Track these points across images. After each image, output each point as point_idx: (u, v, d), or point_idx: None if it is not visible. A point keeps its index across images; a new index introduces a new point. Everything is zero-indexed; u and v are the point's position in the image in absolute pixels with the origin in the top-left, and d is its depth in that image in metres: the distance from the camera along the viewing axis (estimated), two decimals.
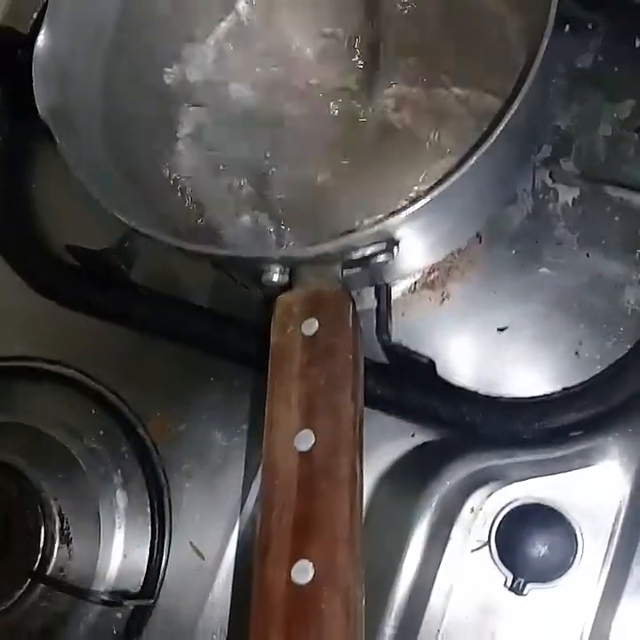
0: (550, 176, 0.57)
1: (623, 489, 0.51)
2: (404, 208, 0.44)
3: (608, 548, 0.50)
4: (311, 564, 0.36)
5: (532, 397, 0.54)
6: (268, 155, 0.61)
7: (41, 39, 0.53)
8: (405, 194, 0.56)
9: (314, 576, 0.36)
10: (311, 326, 0.43)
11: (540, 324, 0.55)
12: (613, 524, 0.51)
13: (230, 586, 0.56)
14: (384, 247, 0.46)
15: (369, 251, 0.46)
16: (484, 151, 0.44)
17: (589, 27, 0.58)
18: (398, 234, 0.46)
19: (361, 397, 0.43)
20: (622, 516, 0.51)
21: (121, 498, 0.61)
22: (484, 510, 0.52)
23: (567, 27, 0.58)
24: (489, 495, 0.52)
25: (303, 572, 0.36)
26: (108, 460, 0.61)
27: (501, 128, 0.44)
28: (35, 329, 0.65)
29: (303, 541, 0.37)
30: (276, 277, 0.47)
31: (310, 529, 0.37)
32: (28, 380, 0.64)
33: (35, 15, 0.70)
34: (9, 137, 0.71)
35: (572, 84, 0.58)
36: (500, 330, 0.56)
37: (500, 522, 0.51)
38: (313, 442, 0.40)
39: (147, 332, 0.62)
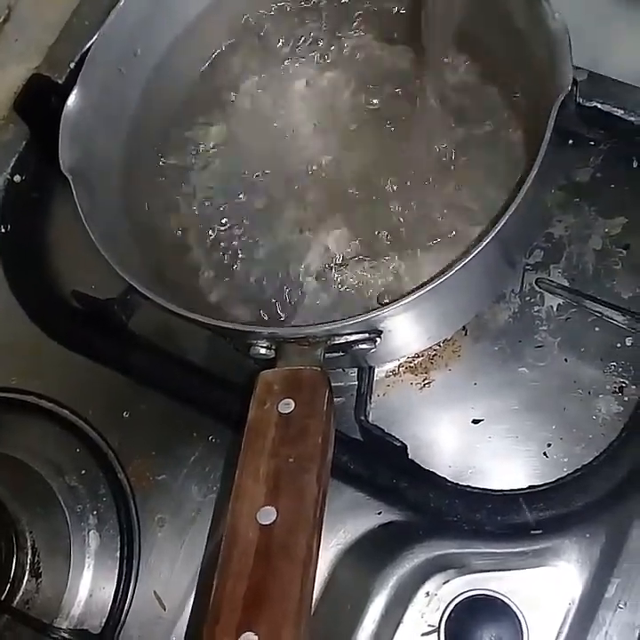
0: (537, 283, 0.59)
1: (574, 592, 0.52)
2: (390, 303, 0.46)
3: None
4: (257, 637, 0.38)
5: (499, 491, 0.56)
6: None
7: (72, 99, 0.56)
8: None
9: None
10: (288, 406, 0.45)
11: (513, 420, 0.57)
12: (561, 626, 0.52)
13: None
14: (367, 336, 0.48)
15: (352, 337, 0.48)
16: (474, 255, 0.47)
17: (591, 143, 0.61)
18: (382, 325, 0.48)
19: (326, 480, 0.44)
20: (570, 618, 0.52)
21: (93, 538, 0.62)
22: (439, 596, 0.54)
23: (570, 141, 0.61)
24: (445, 582, 0.54)
25: None
26: (86, 499, 0.63)
27: (492, 236, 0.47)
28: (33, 364, 0.68)
29: (252, 614, 0.39)
30: (263, 351, 0.50)
31: (261, 603, 0.39)
32: (19, 413, 0.66)
33: (72, 65, 0.74)
34: (33, 176, 0.74)
35: (569, 195, 0.61)
36: (475, 422, 0.58)
37: (452, 610, 0.52)
38: (274, 518, 0.41)
39: (139, 381, 0.64)
